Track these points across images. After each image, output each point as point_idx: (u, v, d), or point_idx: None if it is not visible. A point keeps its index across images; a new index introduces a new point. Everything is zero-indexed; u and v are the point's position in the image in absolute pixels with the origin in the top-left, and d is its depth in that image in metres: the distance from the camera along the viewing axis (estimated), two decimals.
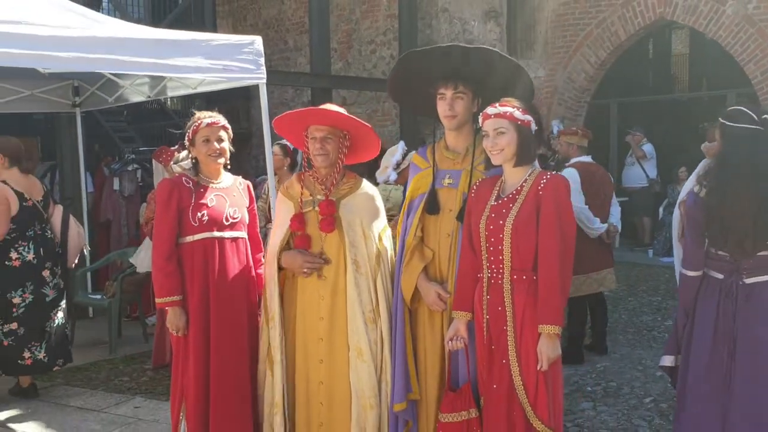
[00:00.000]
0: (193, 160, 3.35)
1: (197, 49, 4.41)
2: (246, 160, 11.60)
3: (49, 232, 4.70)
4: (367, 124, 3.09)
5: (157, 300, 3.22)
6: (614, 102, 11.27)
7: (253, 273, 3.37)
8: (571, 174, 5.28)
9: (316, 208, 3.06)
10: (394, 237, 3.21)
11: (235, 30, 12.61)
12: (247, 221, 3.40)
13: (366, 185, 3.20)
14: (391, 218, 5.36)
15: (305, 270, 3.01)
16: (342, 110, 3.07)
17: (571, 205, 2.67)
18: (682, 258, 2.91)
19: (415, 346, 3.03)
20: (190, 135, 3.30)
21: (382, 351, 3.05)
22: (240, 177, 3.53)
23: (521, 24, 10.85)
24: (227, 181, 3.41)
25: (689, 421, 2.82)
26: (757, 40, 9.11)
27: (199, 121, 3.27)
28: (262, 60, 4.79)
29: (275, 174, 5.18)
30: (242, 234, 3.35)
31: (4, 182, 4.49)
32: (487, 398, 2.70)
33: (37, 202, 4.64)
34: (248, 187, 3.51)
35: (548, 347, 2.55)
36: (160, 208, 3.23)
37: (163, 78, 5.55)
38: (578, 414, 4.29)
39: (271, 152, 5.07)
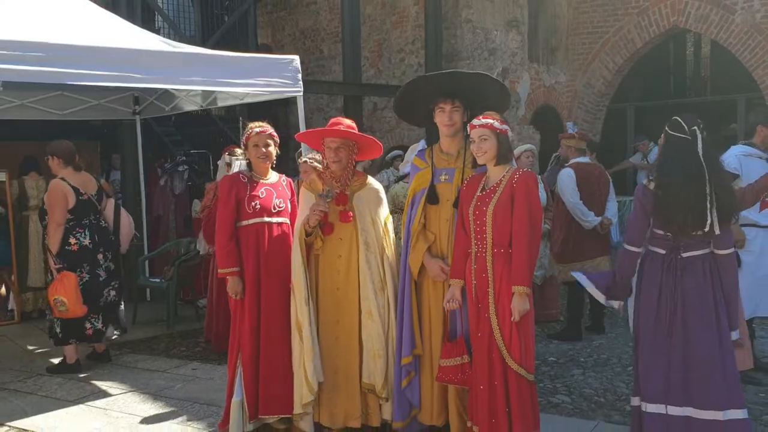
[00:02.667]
0: (247, 161, 4.18)
1: (245, 67, 5.22)
2: (285, 162, 12.44)
3: (102, 221, 5.48)
4: (368, 136, 3.90)
5: (220, 271, 4.03)
6: (631, 106, 11.80)
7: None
8: (567, 173, 5.97)
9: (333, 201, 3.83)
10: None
11: (274, 39, 13.48)
12: (290, 210, 4.19)
13: (372, 181, 3.98)
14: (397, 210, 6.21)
15: (316, 212, 3.69)
16: (351, 123, 3.85)
17: (538, 195, 3.40)
18: (626, 236, 3.63)
19: (420, 311, 3.78)
20: (244, 141, 4.13)
21: (388, 314, 3.82)
22: (283, 175, 4.34)
23: (542, 32, 11.46)
24: (274, 177, 4.21)
25: (644, 368, 3.50)
26: (765, 47, 9.59)
27: (251, 130, 4.10)
28: (300, 75, 5.57)
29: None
30: (285, 220, 4.15)
31: (62, 179, 5.30)
32: (474, 345, 3.44)
33: (92, 195, 5.42)
34: (290, 182, 4.32)
35: (519, 303, 3.28)
36: (222, 198, 4.06)
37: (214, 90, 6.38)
38: (568, 378, 4.98)
39: (304, 151, 5.84)
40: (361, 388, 3.83)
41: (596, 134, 10.46)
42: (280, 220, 4.11)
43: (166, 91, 6.86)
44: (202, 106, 6.82)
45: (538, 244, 3.38)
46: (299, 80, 5.56)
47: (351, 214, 3.82)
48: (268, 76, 5.36)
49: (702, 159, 3.35)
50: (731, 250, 3.35)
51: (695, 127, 3.37)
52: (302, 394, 3.79)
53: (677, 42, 12.67)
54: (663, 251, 3.43)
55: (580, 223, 5.83)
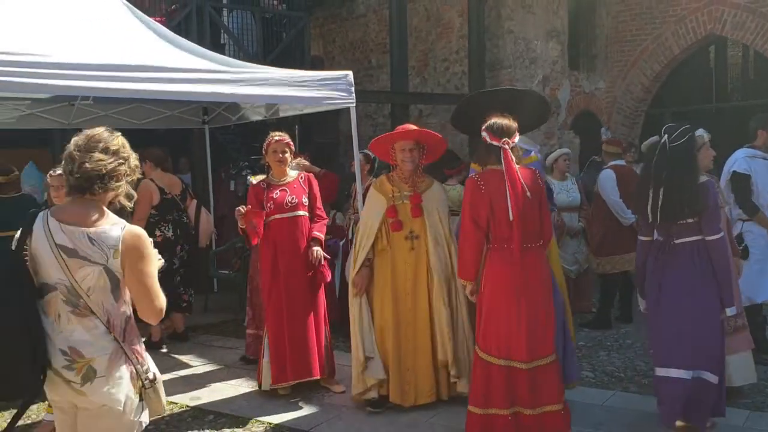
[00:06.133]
0: (266, 166, 4.91)
1: (305, 83, 5.91)
2: (335, 166, 13.17)
3: (185, 218, 6.34)
4: (438, 134, 4.55)
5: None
6: (668, 111, 12.14)
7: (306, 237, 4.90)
8: (608, 174, 6.55)
9: (405, 201, 4.47)
10: None
11: (325, 50, 14.22)
12: (306, 203, 4.90)
13: (435, 182, 4.63)
14: (452, 213, 6.91)
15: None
16: (416, 127, 4.52)
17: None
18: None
19: None
20: (265, 147, 4.90)
21: (457, 300, 4.44)
22: (303, 172, 5.06)
23: (582, 41, 11.93)
24: (291, 177, 4.94)
25: (651, 336, 4.11)
26: None
27: (271, 138, 4.85)
28: (353, 88, 6.22)
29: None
30: (301, 213, 4.86)
31: (151, 180, 6.15)
32: None
33: (176, 195, 6.28)
34: (308, 177, 5.02)
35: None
36: (249, 202, 4.89)
37: None
38: (594, 358, 5.54)
39: (358, 159, 6.51)
40: (435, 366, 4.43)
41: (635, 138, 10.86)
42: (292, 214, 4.84)
43: (233, 102, 7.61)
44: (265, 117, 7.56)
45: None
46: (352, 93, 6.21)
47: (420, 211, 4.44)
48: (325, 89, 6.04)
49: (655, 162, 3.90)
50: (718, 235, 3.87)
51: (665, 134, 3.92)
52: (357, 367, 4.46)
53: (718, 47, 12.94)
54: (662, 238, 3.99)
55: (620, 219, 6.37)
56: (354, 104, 6.22)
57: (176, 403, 4.86)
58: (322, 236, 4.90)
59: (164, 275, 6.03)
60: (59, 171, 4.13)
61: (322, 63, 12.74)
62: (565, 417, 3.89)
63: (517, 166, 3.84)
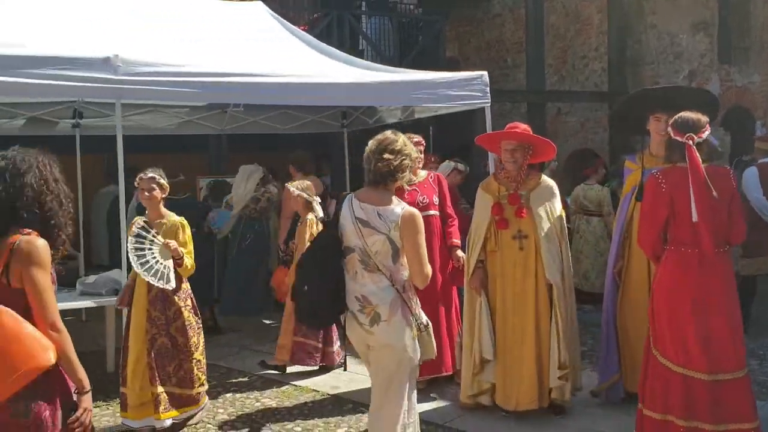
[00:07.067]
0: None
1: (441, 85, 6.03)
2: (472, 168, 13.18)
3: (326, 217, 6.60)
4: (544, 138, 4.48)
5: None
6: None
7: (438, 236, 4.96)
8: (752, 172, 6.16)
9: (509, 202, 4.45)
10: None
11: (460, 51, 14.30)
12: (436, 202, 4.94)
13: (545, 179, 4.54)
14: (590, 214, 6.70)
15: None
16: (526, 127, 4.46)
17: None
18: None
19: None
20: None
21: (567, 300, 4.40)
22: (432, 172, 5.14)
23: (734, 32, 11.21)
24: (421, 176, 5.00)
25: None
26: None
27: (410, 139, 4.95)
28: (488, 89, 6.27)
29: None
30: (432, 212, 4.90)
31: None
32: None
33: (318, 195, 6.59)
34: (437, 177, 5.09)
35: None
36: None
37: None
38: None
39: (492, 159, 6.53)
40: (538, 371, 4.35)
41: None
42: (424, 213, 4.70)
43: (370, 106, 7.88)
44: (401, 119, 7.75)
45: None
46: (487, 93, 6.26)
47: (525, 210, 4.40)
48: (461, 90, 6.13)
49: None
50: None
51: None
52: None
53: None
54: None
55: (764, 218, 5.98)
56: (489, 104, 6.26)
57: (318, 391, 5.14)
58: (459, 242, 4.97)
59: None
60: (150, 174, 4.42)
61: (457, 64, 12.82)
62: None
63: (705, 164, 3.57)
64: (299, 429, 4.48)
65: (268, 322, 7.23)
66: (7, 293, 2.35)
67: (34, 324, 2.34)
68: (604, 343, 4.66)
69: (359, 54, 9.58)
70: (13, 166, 2.41)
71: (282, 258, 6.47)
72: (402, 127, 8.17)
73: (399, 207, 3.28)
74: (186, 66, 4.96)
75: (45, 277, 2.36)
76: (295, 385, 5.29)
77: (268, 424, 4.56)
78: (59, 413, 2.38)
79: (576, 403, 4.55)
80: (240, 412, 4.81)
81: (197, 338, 4.49)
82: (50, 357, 2.32)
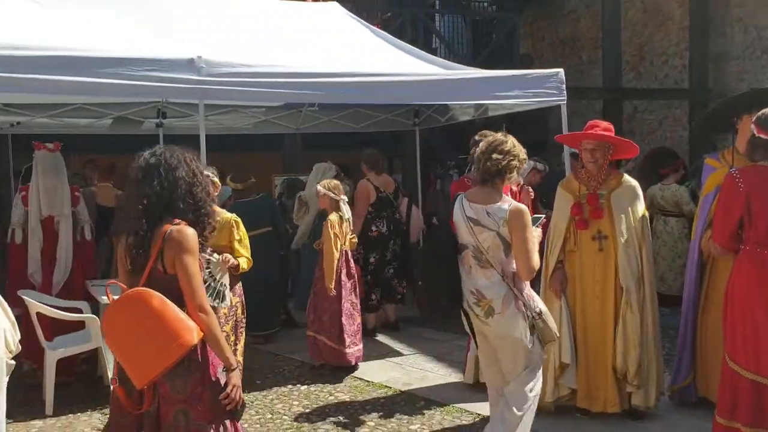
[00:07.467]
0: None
1: (515, 82, 5.97)
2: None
3: (398, 214, 6.71)
4: (624, 139, 4.38)
5: None
6: None
7: None
8: None
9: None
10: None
11: (534, 48, 14.10)
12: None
13: (628, 179, 4.40)
14: (667, 214, 6.51)
15: None
16: (608, 125, 4.35)
17: None
18: None
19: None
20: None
21: (644, 306, 4.25)
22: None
23: None
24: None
25: None
26: None
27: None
28: (564, 86, 6.16)
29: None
30: None
31: (368, 180, 6.60)
32: None
33: (390, 194, 6.68)
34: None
35: None
36: (453, 199, 4.99)
37: None
38: None
39: (568, 157, 6.43)
40: (615, 373, 4.26)
41: None
42: None
43: (442, 104, 7.88)
44: (474, 117, 7.73)
45: None
46: (563, 90, 6.15)
47: (602, 211, 4.29)
48: (536, 88, 6.06)
49: None
50: None
51: None
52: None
53: None
54: None
55: None
56: (565, 102, 6.17)
57: (390, 388, 5.19)
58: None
59: (378, 267, 6.57)
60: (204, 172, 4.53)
61: (531, 61, 12.66)
62: None
63: None
64: (372, 424, 4.53)
65: None
66: (162, 278, 2.57)
67: (183, 307, 2.55)
68: (681, 345, 4.55)
69: (432, 53, 9.58)
70: (165, 162, 2.62)
71: (354, 256, 6.55)
72: (475, 125, 8.19)
73: (506, 204, 3.50)
74: (266, 66, 5.08)
75: (194, 263, 2.57)
76: (368, 381, 5.36)
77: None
78: (210, 389, 2.59)
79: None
80: (314, 405, 4.90)
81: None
82: (194, 337, 2.52)
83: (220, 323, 4.35)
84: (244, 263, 4.51)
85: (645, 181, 7.78)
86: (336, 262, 5.45)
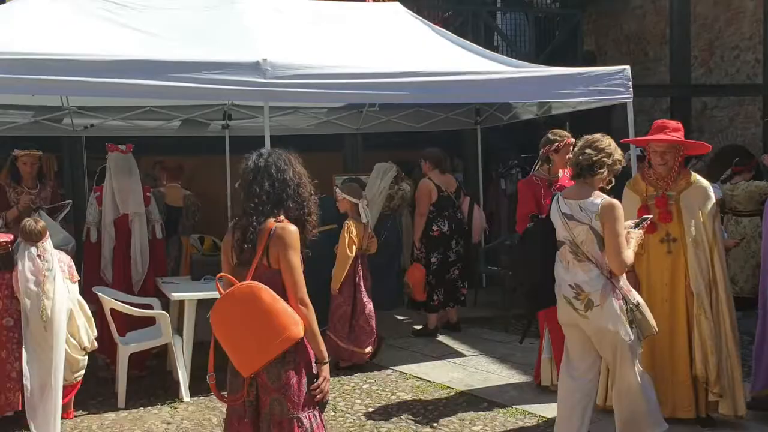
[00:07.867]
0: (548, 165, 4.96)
1: (580, 80, 5.87)
2: None
3: (459, 214, 6.68)
4: (696, 141, 4.28)
5: None
6: None
7: None
8: None
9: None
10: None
11: (597, 44, 13.81)
12: None
13: (699, 179, 4.24)
14: (739, 214, 6.27)
15: None
16: (677, 125, 4.21)
17: None
18: None
19: None
20: (557, 147, 4.88)
21: (719, 311, 4.12)
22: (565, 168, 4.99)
23: None
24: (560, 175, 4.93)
25: None
26: None
27: (563, 141, 4.88)
28: (630, 83, 6.02)
29: None
30: None
31: (429, 179, 6.58)
32: None
33: (451, 193, 6.66)
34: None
35: None
36: (521, 199, 5.01)
37: None
38: None
39: (634, 155, 6.28)
40: (693, 380, 4.15)
41: None
42: None
43: (504, 102, 7.80)
44: (537, 115, 7.63)
45: None
46: (629, 88, 6.01)
47: (671, 214, 4.17)
48: (601, 85, 5.94)
49: None
50: None
51: None
52: None
53: None
54: None
55: None
56: (631, 99, 6.03)
57: (452, 388, 5.17)
58: None
59: (441, 268, 6.56)
60: None
61: (594, 58, 12.41)
62: None
63: None
64: (434, 424, 4.53)
65: (400, 317, 7.36)
66: (267, 272, 2.71)
67: (286, 300, 2.69)
68: (758, 351, 4.37)
69: (493, 51, 9.50)
70: (275, 163, 2.77)
71: (416, 255, 6.58)
72: (537, 123, 8.08)
73: (599, 198, 3.61)
74: (329, 68, 5.14)
75: (297, 259, 2.72)
76: (430, 381, 5.35)
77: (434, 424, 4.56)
78: (304, 380, 2.71)
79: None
80: (376, 404, 4.93)
81: None
82: (300, 330, 2.66)
83: None
84: None
85: (714, 180, 7.54)
86: (347, 267, 5.51)
